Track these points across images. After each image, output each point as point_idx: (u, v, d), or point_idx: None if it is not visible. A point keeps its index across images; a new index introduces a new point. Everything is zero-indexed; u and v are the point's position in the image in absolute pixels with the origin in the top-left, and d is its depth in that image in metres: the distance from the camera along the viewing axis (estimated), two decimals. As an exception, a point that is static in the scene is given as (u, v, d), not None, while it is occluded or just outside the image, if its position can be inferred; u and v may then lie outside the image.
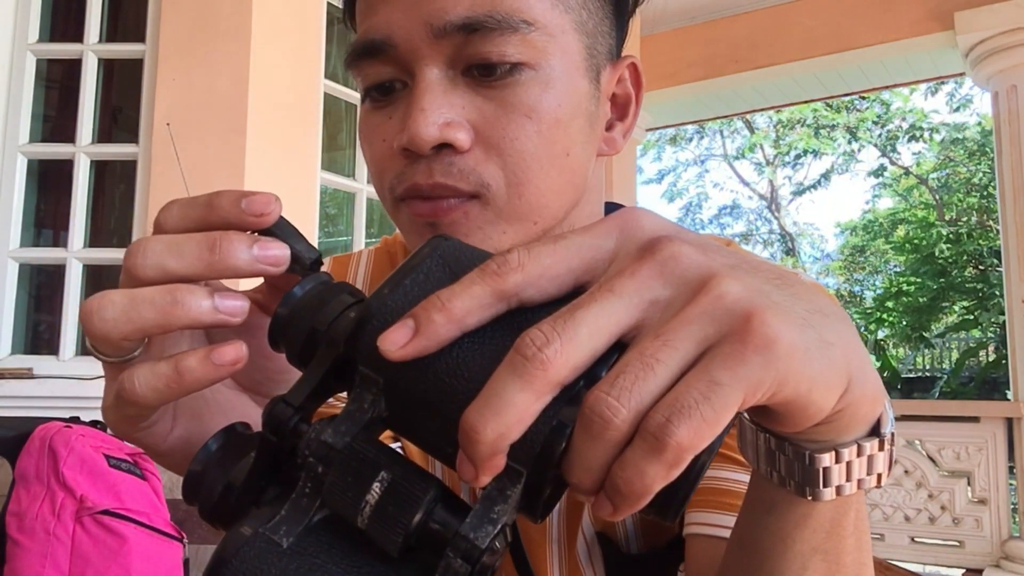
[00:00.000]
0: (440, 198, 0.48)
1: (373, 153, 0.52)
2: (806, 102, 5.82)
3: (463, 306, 0.27)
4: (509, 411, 0.25)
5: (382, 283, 0.29)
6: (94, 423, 2.21)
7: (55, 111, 2.97)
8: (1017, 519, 3.96)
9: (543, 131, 0.49)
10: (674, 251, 0.27)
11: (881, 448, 0.33)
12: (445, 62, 0.48)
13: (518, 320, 0.27)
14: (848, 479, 0.32)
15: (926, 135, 14.02)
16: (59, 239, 2.85)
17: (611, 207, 0.65)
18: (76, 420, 2.19)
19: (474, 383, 0.26)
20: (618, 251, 0.28)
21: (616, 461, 0.25)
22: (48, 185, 2.91)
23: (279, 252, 0.34)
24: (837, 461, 0.31)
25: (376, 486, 0.27)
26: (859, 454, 0.31)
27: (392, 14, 0.48)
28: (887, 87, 5.00)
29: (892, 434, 0.33)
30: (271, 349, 0.34)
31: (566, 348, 0.25)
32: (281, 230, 0.35)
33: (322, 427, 0.28)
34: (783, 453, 0.32)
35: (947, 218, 13.58)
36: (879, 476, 0.33)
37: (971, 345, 12.60)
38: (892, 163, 14.95)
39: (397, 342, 0.26)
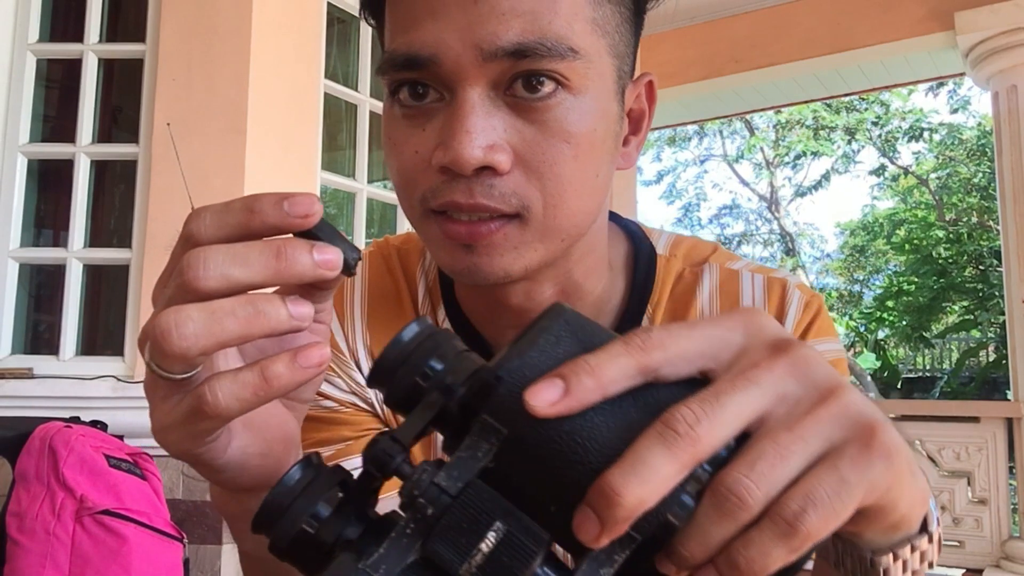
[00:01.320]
0: (479, 220, 0.49)
1: (402, 163, 0.52)
2: (806, 102, 5.82)
3: (610, 374, 0.28)
4: (654, 480, 0.26)
5: (515, 341, 0.30)
6: (94, 423, 2.21)
7: (55, 111, 2.97)
8: (1017, 519, 3.96)
9: (579, 155, 0.50)
10: (804, 354, 0.30)
11: (930, 542, 0.35)
12: (489, 84, 0.49)
13: (645, 395, 0.29)
14: (904, 573, 0.35)
15: (926, 135, 14.02)
16: (59, 239, 2.86)
17: (611, 216, 0.66)
18: (76, 420, 2.19)
19: (604, 448, 0.28)
20: (747, 346, 0.30)
21: (739, 540, 0.27)
22: (48, 185, 2.91)
23: (335, 256, 0.34)
24: (895, 560, 0.34)
25: (491, 535, 0.27)
26: (912, 551, 0.34)
27: (441, 32, 0.48)
28: (887, 87, 5.00)
29: (939, 527, 0.36)
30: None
31: (713, 427, 0.27)
32: (323, 231, 0.35)
33: (432, 470, 0.28)
34: (848, 554, 0.35)
35: (947, 218, 13.58)
36: (930, 563, 0.36)
37: (971, 345, 12.60)
38: (892, 163, 14.96)
39: (547, 399, 0.27)
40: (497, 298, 0.57)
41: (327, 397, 0.64)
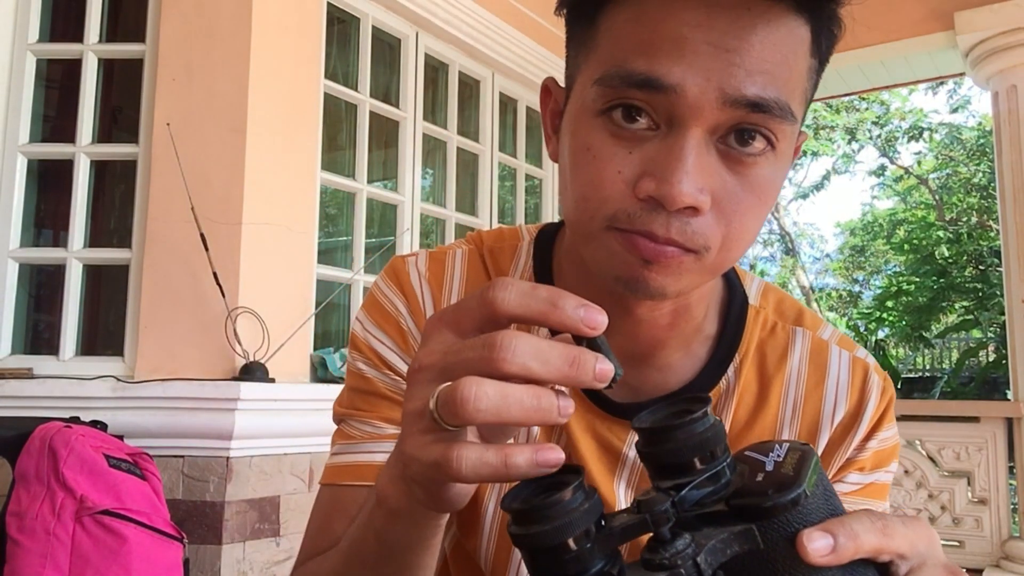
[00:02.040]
0: (667, 245, 0.53)
1: (600, 178, 0.53)
2: (806, 102, 5.82)
3: (863, 545, 0.35)
4: None
5: (797, 476, 0.36)
6: (94, 423, 2.21)
7: (55, 111, 2.97)
8: (1017, 519, 3.96)
9: (763, 211, 0.55)
10: None
11: None
12: (711, 129, 0.51)
13: (859, 567, 0.36)
14: None
15: (926, 135, 14.02)
16: (59, 239, 2.86)
17: None
18: (76, 420, 2.19)
19: None
20: (927, 558, 0.38)
21: None
22: (48, 185, 2.91)
23: (610, 372, 0.38)
24: None
25: None
26: None
27: (688, 68, 0.50)
28: (887, 87, 5.00)
29: None
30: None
31: None
32: (601, 342, 0.38)
33: (695, 548, 0.34)
34: None
35: (947, 218, 13.58)
36: None
37: (971, 345, 12.59)
38: (892, 163, 14.95)
39: (819, 550, 0.34)
40: (626, 306, 0.60)
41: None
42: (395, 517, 0.47)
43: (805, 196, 15.92)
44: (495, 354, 0.36)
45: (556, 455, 0.37)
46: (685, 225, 0.52)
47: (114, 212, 3.09)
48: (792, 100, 0.52)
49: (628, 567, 0.35)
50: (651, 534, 0.35)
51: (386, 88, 3.41)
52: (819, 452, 0.65)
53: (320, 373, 2.81)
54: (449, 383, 0.37)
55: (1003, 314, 5.62)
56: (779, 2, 0.51)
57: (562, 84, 0.62)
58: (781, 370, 0.67)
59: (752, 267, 16.08)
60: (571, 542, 0.33)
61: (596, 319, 0.38)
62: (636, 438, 0.39)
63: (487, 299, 0.38)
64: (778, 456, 0.37)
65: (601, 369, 0.37)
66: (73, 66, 2.78)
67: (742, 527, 0.34)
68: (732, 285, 0.69)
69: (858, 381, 0.67)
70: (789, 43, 0.52)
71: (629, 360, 0.64)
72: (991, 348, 12.00)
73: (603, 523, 0.35)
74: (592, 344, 0.38)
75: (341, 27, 3.24)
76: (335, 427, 0.71)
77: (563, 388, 0.39)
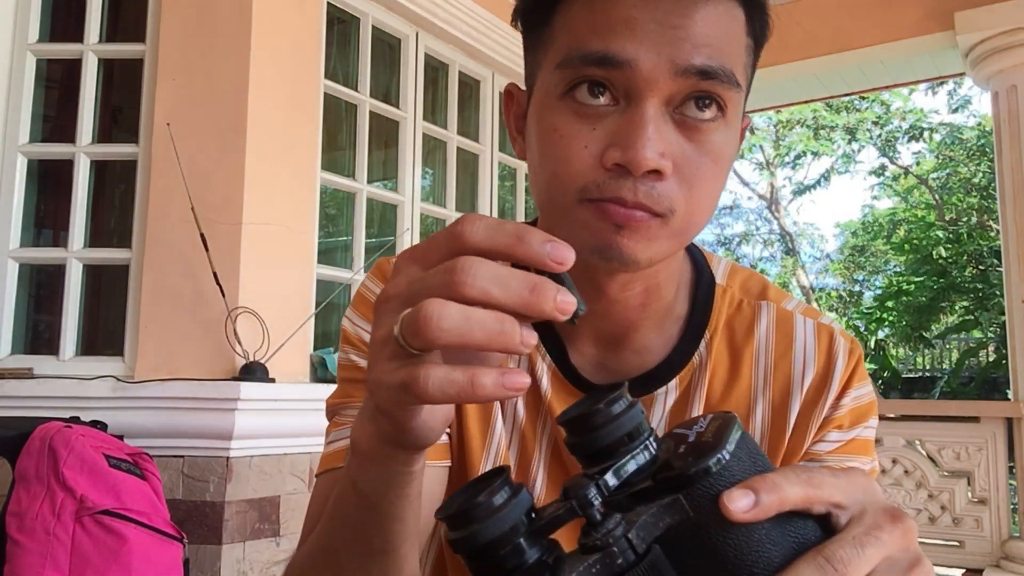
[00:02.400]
0: (636, 209, 0.57)
1: (569, 155, 0.58)
2: (806, 102, 5.82)
3: (788, 497, 0.36)
4: None
5: (716, 442, 0.36)
6: (94, 423, 2.21)
7: (55, 111, 2.97)
8: (1017, 519, 3.96)
9: (720, 174, 0.60)
10: (911, 525, 0.38)
11: None
12: (665, 99, 0.57)
13: (794, 523, 0.36)
14: None
15: (926, 135, 14.02)
16: (59, 239, 2.86)
17: None
18: (76, 420, 2.19)
19: (763, 559, 0.35)
20: (867, 504, 0.38)
21: None
22: (48, 185, 2.91)
23: (571, 304, 0.38)
24: None
25: None
26: None
27: (640, 44, 0.56)
28: (887, 87, 5.00)
29: None
30: None
31: (857, 569, 0.35)
32: (565, 279, 0.39)
33: (626, 526, 0.34)
34: None
35: (947, 218, 13.58)
36: None
37: (971, 345, 12.59)
38: (892, 163, 14.95)
39: (741, 507, 0.34)
40: (598, 285, 0.64)
41: None
42: (367, 461, 0.48)
43: (802, 192, 15.91)
44: (456, 277, 0.37)
45: (522, 379, 0.38)
46: (651, 189, 0.56)
47: (114, 212, 3.09)
48: (736, 70, 0.58)
49: (570, 555, 0.35)
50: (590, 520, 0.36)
51: (386, 88, 3.41)
52: (794, 415, 0.68)
53: (320, 373, 2.81)
54: (413, 308, 0.38)
55: (1003, 314, 5.62)
56: None
57: (524, 89, 0.67)
58: (750, 342, 0.70)
59: (752, 267, 16.07)
60: (502, 538, 0.34)
61: (563, 254, 0.38)
62: (668, 442, 0.40)
63: (455, 233, 0.39)
64: (700, 427, 0.38)
65: (562, 300, 0.38)
66: (73, 66, 2.78)
67: (670, 498, 0.35)
68: (699, 267, 0.73)
69: (824, 345, 0.70)
70: (727, 21, 0.58)
71: (607, 344, 0.69)
72: (991, 348, 12.00)
73: (534, 515, 0.36)
74: (557, 279, 0.38)
75: (341, 27, 3.24)
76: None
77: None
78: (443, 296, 0.37)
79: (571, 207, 0.59)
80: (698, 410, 0.69)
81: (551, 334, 0.70)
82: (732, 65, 0.58)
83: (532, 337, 0.38)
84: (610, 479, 0.36)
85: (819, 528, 0.37)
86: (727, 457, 0.35)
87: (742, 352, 0.70)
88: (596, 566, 0.34)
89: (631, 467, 0.36)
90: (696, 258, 0.74)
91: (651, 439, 0.37)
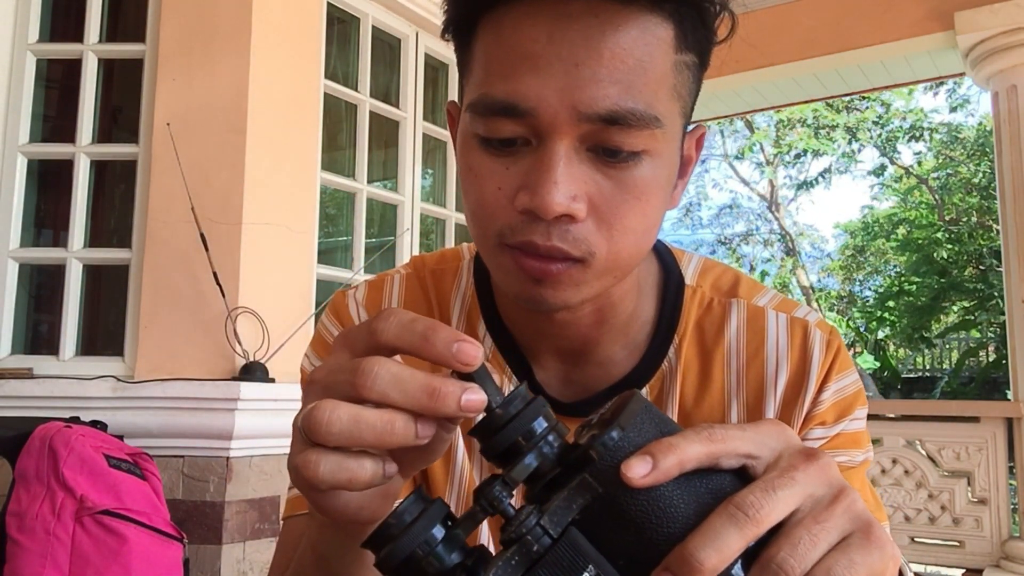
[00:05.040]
0: (549, 258, 0.54)
1: (483, 197, 0.55)
2: (806, 102, 5.82)
3: (687, 455, 0.36)
4: (726, 550, 0.34)
5: (614, 418, 0.37)
6: (94, 423, 2.21)
7: (55, 111, 2.97)
8: (1017, 519, 3.95)
9: (648, 211, 0.55)
10: (827, 462, 0.39)
11: None
12: (576, 139, 0.52)
13: (707, 478, 0.37)
14: None
15: (926, 135, 14.02)
16: (59, 239, 2.86)
17: None
18: (76, 420, 2.19)
19: (678, 518, 0.36)
20: (782, 450, 0.39)
21: None
22: (48, 185, 2.91)
23: (479, 403, 0.38)
24: None
25: (586, 574, 0.35)
26: None
27: (542, 88, 0.51)
28: (887, 87, 4.99)
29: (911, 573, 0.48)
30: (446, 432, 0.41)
31: (771, 513, 0.36)
32: (479, 373, 0.39)
33: (538, 514, 0.35)
34: None
35: (947, 218, 13.57)
36: None
37: (971, 345, 12.60)
38: (892, 163, 14.95)
39: (639, 472, 0.35)
40: (545, 313, 0.62)
41: None
42: (322, 527, 0.48)
43: (803, 187, 15.89)
44: (357, 379, 0.38)
45: (392, 468, 0.39)
46: (565, 232, 0.53)
47: (114, 212, 3.09)
48: (655, 103, 0.52)
49: (497, 554, 0.36)
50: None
51: (386, 88, 3.41)
52: (770, 416, 0.65)
53: (320, 373, 2.81)
54: (315, 403, 0.38)
55: (1003, 314, 5.62)
56: (629, 4, 0.51)
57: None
58: (720, 343, 0.67)
59: (752, 268, 16.08)
60: (419, 549, 0.36)
61: (469, 354, 0.38)
62: (580, 431, 0.41)
63: (372, 328, 0.40)
64: (603, 410, 0.40)
65: (468, 400, 0.38)
66: (73, 66, 2.78)
67: (577, 479, 0.36)
68: (668, 268, 0.69)
69: (798, 340, 0.66)
70: (643, 44, 0.52)
71: (568, 359, 0.66)
72: (991, 348, 12.01)
73: (449, 522, 0.37)
74: (469, 377, 0.39)
75: (341, 27, 3.24)
76: None
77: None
78: (346, 394, 0.38)
79: (493, 251, 0.56)
80: (671, 417, 0.66)
81: (515, 353, 0.68)
82: (649, 98, 0.52)
83: (430, 430, 0.39)
84: (515, 473, 0.37)
85: (738, 481, 0.38)
86: (619, 431, 0.36)
87: (713, 354, 0.66)
88: (515, 557, 0.35)
89: (531, 459, 0.37)
90: (664, 259, 0.70)
91: (554, 431, 0.38)
